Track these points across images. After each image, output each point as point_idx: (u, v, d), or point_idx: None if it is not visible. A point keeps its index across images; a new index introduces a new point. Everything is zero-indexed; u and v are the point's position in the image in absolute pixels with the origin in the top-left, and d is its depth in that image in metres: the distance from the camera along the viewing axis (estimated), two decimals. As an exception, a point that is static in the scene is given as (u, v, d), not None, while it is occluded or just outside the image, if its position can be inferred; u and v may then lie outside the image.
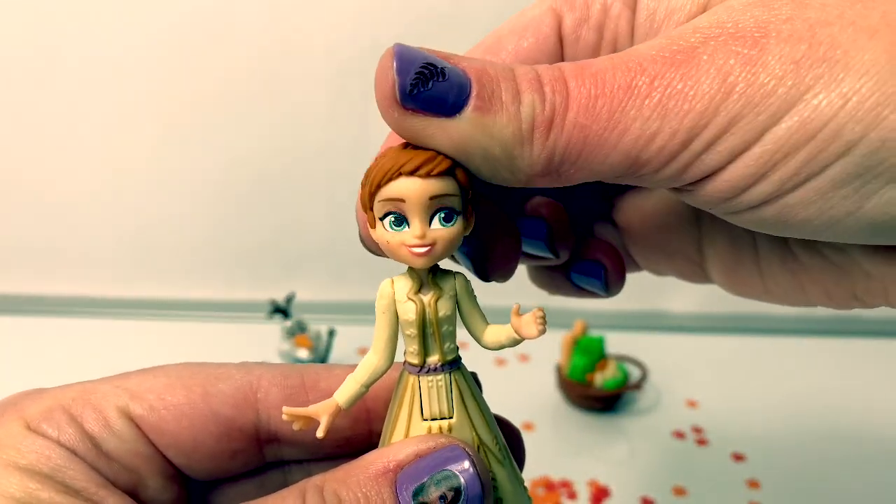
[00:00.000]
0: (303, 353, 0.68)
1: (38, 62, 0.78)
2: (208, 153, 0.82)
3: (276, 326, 0.72)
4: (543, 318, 0.25)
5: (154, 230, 0.86)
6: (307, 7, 0.76)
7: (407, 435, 0.24)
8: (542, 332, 0.25)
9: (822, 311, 0.87)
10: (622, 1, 0.25)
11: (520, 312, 0.26)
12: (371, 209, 0.23)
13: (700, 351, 0.79)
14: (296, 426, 0.23)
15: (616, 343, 0.73)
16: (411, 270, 0.25)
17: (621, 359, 0.71)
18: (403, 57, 0.19)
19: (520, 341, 0.26)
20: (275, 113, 0.78)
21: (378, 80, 0.20)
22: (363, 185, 0.23)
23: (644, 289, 0.88)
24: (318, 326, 0.72)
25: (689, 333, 0.82)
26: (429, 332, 0.25)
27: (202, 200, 0.84)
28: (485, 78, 0.20)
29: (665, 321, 0.87)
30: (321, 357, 0.68)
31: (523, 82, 0.20)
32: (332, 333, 0.71)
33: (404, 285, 0.25)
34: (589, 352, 0.67)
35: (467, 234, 0.25)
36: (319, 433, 0.23)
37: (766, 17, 0.19)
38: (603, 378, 0.66)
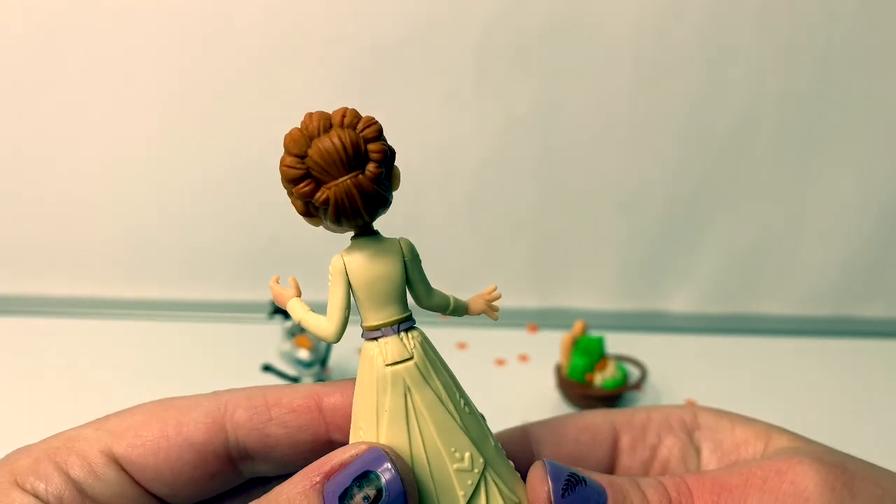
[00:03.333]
0: (303, 354, 0.68)
1: (39, 63, 0.78)
2: (208, 154, 0.82)
3: (277, 327, 0.72)
4: (496, 306, 0.26)
5: (154, 231, 0.86)
6: (307, 8, 0.76)
7: (376, 393, 0.25)
8: (494, 317, 0.27)
9: (821, 312, 0.88)
10: (674, 433, 0.29)
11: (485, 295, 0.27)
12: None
13: (699, 351, 0.79)
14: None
15: (615, 343, 0.73)
16: (357, 238, 0.26)
17: (621, 359, 0.71)
18: (555, 467, 0.24)
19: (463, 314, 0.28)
20: (275, 113, 0.78)
21: (532, 485, 0.24)
22: (384, 139, 0.24)
23: (644, 289, 0.89)
24: (319, 326, 0.72)
25: (689, 334, 0.83)
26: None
27: (203, 201, 0.84)
28: (615, 485, 0.24)
29: (664, 321, 0.87)
30: (321, 357, 0.69)
31: (648, 489, 0.24)
32: None
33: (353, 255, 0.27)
34: (588, 352, 0.67)
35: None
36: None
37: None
38: (602, 378, 0.66)
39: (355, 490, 0.23)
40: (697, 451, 0.29)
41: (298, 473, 0.23)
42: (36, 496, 0.24)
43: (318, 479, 0.23)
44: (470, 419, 0.25)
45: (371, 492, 0.23)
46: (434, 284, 0.27)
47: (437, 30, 0.76)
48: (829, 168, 0.82)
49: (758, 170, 0.82)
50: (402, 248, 0.25)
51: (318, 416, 0.27)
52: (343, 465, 0.23)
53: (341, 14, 0.76)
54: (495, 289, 0.26)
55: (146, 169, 0.83)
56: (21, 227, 0.86)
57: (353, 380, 0.27)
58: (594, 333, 0.70)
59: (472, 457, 0.24)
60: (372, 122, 0.24)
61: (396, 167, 0.25)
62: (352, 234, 0.25)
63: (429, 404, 0.25)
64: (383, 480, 0.23)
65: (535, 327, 0.83)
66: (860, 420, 0.67)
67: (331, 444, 0.27)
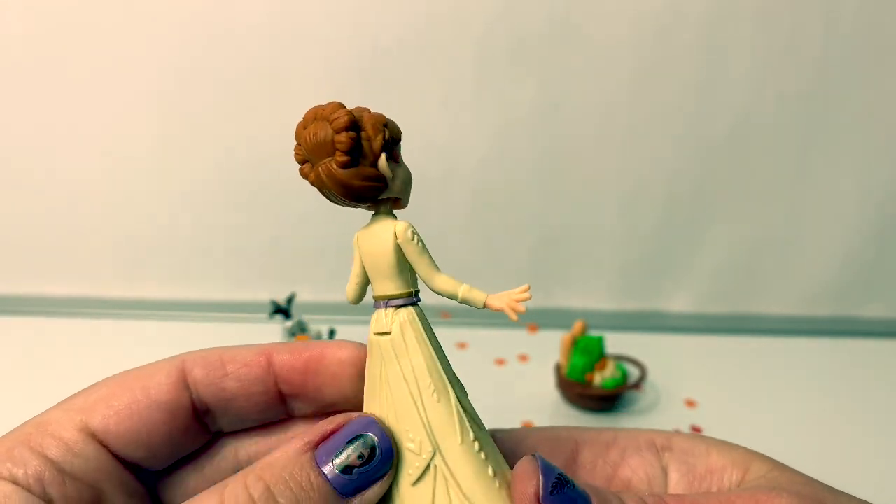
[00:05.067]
0: (303, 353, 0.68)
1: (39, 63, 0.78)
2: (209, 154, 0.82)
3: (278, 326, 0.72)
4: (521, 305, 0.26)
5: (155, 231, 0.86)
6: (308, 8, 0.76)
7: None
8: (516, 313, 0.27)
9: (820, 311, 0.88)
10: (640, 454, 0.29)
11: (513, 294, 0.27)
12: (394, 147, 0.27)
13: (699, 351, 0.79)
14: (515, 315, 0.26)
15: (615, 343, 0.73)
16: (389, 211, 0.28)
17: (620, 358, 0.71)
18: (546, 464, 0.24)
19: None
20: (275, 113, 0.78)
21: (521, 477, 0.24)
22: (378, 130, 0.26)
23: (643, 289, 0.89)
24: (319, 326, 0.72)
25: (688, 333, 0.83)
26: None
27: (204, 201, 0.84)
28: (601, 495, 0.24)
29: (664, 321, 0.87)
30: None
31: (629, 503, 0.24)
32: (332, 333, 0.71)
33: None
34: (588, 351, 0.67)
35: None
36: (526, 294, 0.26)
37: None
38: (602, 378, 0.67)
39: (349, 450, 0.24)
40: (665, 472, 0.28)
41: (290, 440, 0.25)
42: (15, 482, 0.24)
43: (310, 444, 0.24)
44: (436, 408, 0.26)
45: (365, 450, 0.24)
46: None
47: (437, 30, 0.76)
48: (828, 168, 0.82)
49: (757, 170, 0.82)
50: (394, 230, 0.27)
51: (269, 370, 0.29)
52: (334, 431, 0.25)
53: (342, 14, 0.76)
54: (527, 289, 0.26)
55: (146, 169, 0.83)
56: (21, 227, 0.86)
57: (302, 342, 0.30)
58: (594, 333, 0.70)
59: (421, 442, 0.25)
60: (338, 116, 0.25)
61: (391, 163, 0.26)
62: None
63: (395, 380, 0.26)
64: (375, 438, 0.24)
65: (534, 327, 0.83)
66: (860, 419, 0.67)
67: (278, 399, 0.29)
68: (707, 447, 0.28)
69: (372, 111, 0.26)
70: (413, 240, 0.27)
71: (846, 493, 0.25)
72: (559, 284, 0.88)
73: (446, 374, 0.27)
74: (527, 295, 0.25)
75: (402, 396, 0.26)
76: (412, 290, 0.27)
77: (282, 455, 0.24)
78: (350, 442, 0.24)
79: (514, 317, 0.25)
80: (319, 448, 0.24)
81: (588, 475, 0.29)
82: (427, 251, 0.27)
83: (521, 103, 0.79)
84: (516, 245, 0.86)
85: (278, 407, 0.29)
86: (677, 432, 0.29)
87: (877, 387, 0.73)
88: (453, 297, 0.27)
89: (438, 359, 0.26)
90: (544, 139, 0.81)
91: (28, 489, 0.24)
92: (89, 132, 0.82)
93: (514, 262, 0.87)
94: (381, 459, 0.24)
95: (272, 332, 0.73)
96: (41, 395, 0.71)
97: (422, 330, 0.27)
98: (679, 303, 0.89)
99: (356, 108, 0.27)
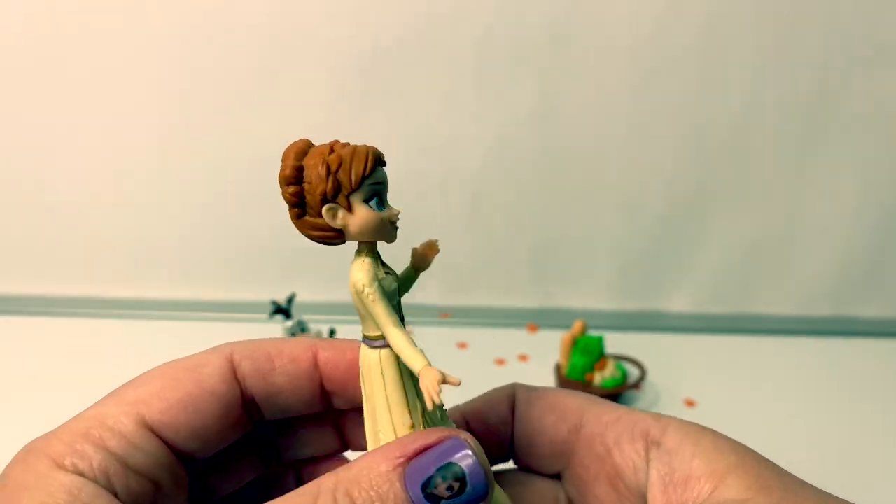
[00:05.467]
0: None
1: (39, 63, 0.78)
2: (209, 154, 0.82)
3: (278, 327, 0.72)
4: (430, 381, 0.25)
5: (155, 231, 0.86)
6: (308, 8, 0.76)
7: (420, 404, 0.26)
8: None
9: (821, 312, 0.88)
10: (633, 444, 0.29)
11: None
12: (353, 193, 0.25)
13: (698, 351, 0.79)
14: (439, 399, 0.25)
15: (615, 343, 0.73)
16: (369, 251, 0.27)
17: (620, 358, 0.71)
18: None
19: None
20: (276, 113, 0.78)
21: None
22: (335, 172, 0.25)
23: (643, 289, 0.89)
24: (319, 327, 0.72)
25: (688, 333, 0.83)
26: (395, 302, 0.27)
27: (203, 201, 0.84)
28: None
29: (664, 321, 0.87)
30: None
31: None
32: (332, 333, 0.71)
33: (374, 264, 0.27)
34: (588, 351, 0.67)
35: None
36: (454, 381, 0.24)
37: None
38: (602, 377, 0.67)
39: (439, 480, 0.23)
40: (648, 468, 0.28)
41: (377, 451, 0.24)
42: (82, 475, 0.24)
43: (400, 460, 0.23)
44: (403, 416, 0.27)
45: (455, 482, 0.23)
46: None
47: (437, 30, 0.76)
48: (828, 168, 0.82)
49: (757, 170, 0.82)
50: (351, 280, 0.27)
51: (315, 366, 0.29)
52: (425, 449, 0.23)
53: (342, 15, 0.76)
54: (458, 381, 0.25)
55: (146, 169, 0.83)
56: (21, 227, 0.86)
57: (345, 340, 0.30)
58: (594, 333, 0.70)
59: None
60: (283, 167, 0.25)
61: (341, 211, 0.26)
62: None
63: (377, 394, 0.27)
64: (466, 470, 0.23)
65: (534, 327, 0.83)
66: (859, 419, 0.67)
67: (322, 393, 0.30)
68: (694, 449, 0.27)
69: (340, 149, 0.25)
70: (363, 293, 0.26)
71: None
72: (559, 284, 0.88)
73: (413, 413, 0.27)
74: (455, 381, 0.24)
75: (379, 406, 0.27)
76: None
77: (369, 469, 0.23)
78: (440, 470, 0.23)
79: (429, 404, 0.24)
80: (409, 466, 0.23)
81: (585, 452, 0.30)
82: (381, 302, 0.26)
83: (521, 103, 0.79)
84: (516, 245, 0.86)
85: (321, 400, 0.30)
86: (674, 422, 0.29)
87: (876, 386, 0.74)
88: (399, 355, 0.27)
89: (409, 406, 0.27)
90: (544, 139, 0.81)
91: (95, 482, 0.24)
92: (90, 132, 0.81)
93: (514, 262, 0.87)
94: (472, 494, 0.23)
95: (272, 332, 0.73)
96: (40, 395, 0.71)
97: (396, 373, 0.27)
98: (679, 303, 0.89)
99: (329, 144, 0.26)
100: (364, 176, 0.25)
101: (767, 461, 0.27)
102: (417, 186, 0.82)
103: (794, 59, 0.77)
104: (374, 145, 0.27)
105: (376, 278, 0.26)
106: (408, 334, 0.26)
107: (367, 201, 0.26)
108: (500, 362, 0.75)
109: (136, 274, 0.88)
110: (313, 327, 0.71)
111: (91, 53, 0.78)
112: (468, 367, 0.71)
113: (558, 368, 0.69)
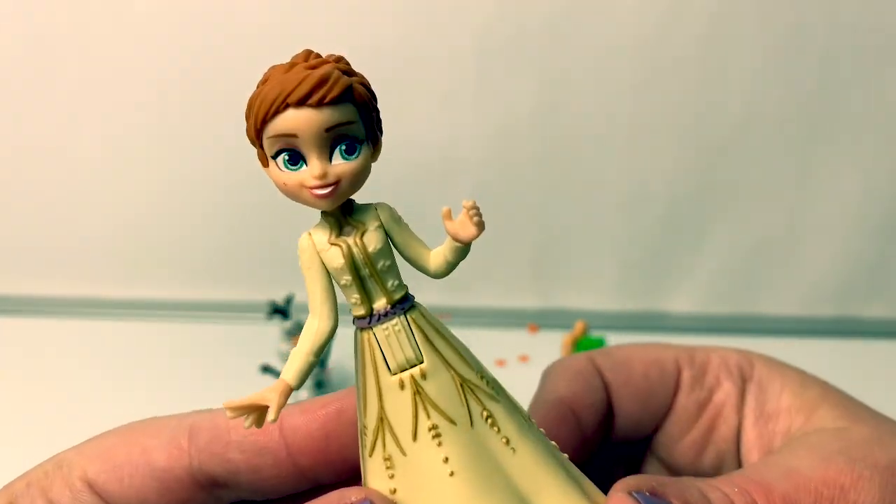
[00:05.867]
0: (302, 354, 0.68)
1: (38, 63, 0.78)
2: (207, 154, 0.82)
3: (276, 327, 0.72)
4: (476, 210, 0.22)
5: (153, 231, 0.86)
6: (306, 6, 0.76)
7: (380, 399, 0.22)
8: (480, 225, 0.22)
9: (821, 312, 0.87)
10: (731, 379, 0.30)
11: (452, 216, 0.23)
12: (260, 146, 0.21)
13: (701, 351, 0.79)
14: (246, 423, 0.21)
15: (616, 343, 0.73)
16: (326, 214, 0.23)
17: (621, 359, 0.71)
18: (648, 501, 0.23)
19: (464, 249, 0.23)
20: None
21: None
22: (246, 116, 0.21)
23: (645, 289, 0.88)
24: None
25: (690, 334, 0.82)
26: (364, 274, 0.23)
27: (200, 200, 0.84)
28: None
29: (666, 322, 0.87)
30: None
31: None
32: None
33: (323, 232, 0.23)
34: (589, 352, 0.67)
35: (374, 161, 0.22)
36: (270, 417, 0.21)
37: None
38: (603, 379, 0.66)
39: None
40: (743, 402, 0.29)
41: None
42: None
43: None
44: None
45: None
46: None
47: (437, 29, 0.76)
48: (831, 167, 0.82)
49: (760, 169, 0.82)
50: (378, 216, 0.23)
51: (279, 438, 0.25)
52: None
53: (340, 13, 0.76)
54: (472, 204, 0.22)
55: (143, 169, 0.83)
56: (21, 227, 0.86)
57: (317, 399, 0.26)
58: (595, 334, 0.70)
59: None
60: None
61: (259, 155, 0.23)
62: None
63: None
64: None
65: (535, 327, 0.82)
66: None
67: (295, 469, 0.26)
68: (782, 384, 0.29)
69: (281, 73, 0.21)
70: (400, 218, 0.24)
71: None
72: (560, 284, 0.88)
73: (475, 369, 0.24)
74: (471, 203, 0.22)
75: (463, 349, 0.23)
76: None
77: None
78: None
79: (472, 231, 0.22)
80: None
81: (686, 398, 0.30)
82: (309, 278, 0.23)
83: (521, 101, 0.79)
84: (517, 244, 0.86)
85: (298, 477, 0.26)
86: (758, 357, 0.31)
87: (879, 387, 0.73)
88: (450, 264, 0.24)
89: (463, 356, 0.24)
90: (545, 137, 0.81)
91: None
92: (88, 132, 0.81)
93: (515, 261, 0.87)
94: None
95: (270, 332, 0.73)
96: (39, 396, 0.71)
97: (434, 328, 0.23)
98: (681, 303, 0.88)
99: (296, 56, 0.22)
100: (262, 122, 0.21)
101: (849, 395, 0.29)
102: (417, 184, 0.82)
103: (797, 58, 0.77)
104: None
105: (313, 248, 0.23)
106: (320, 332, 0.23)
107: (274, 157, 0.21)
108: (501, 363, 0.75)
109: (134, 275, 0.88)
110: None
111: (89, 53, 0.78)
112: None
113: (559, 369, 0.69)
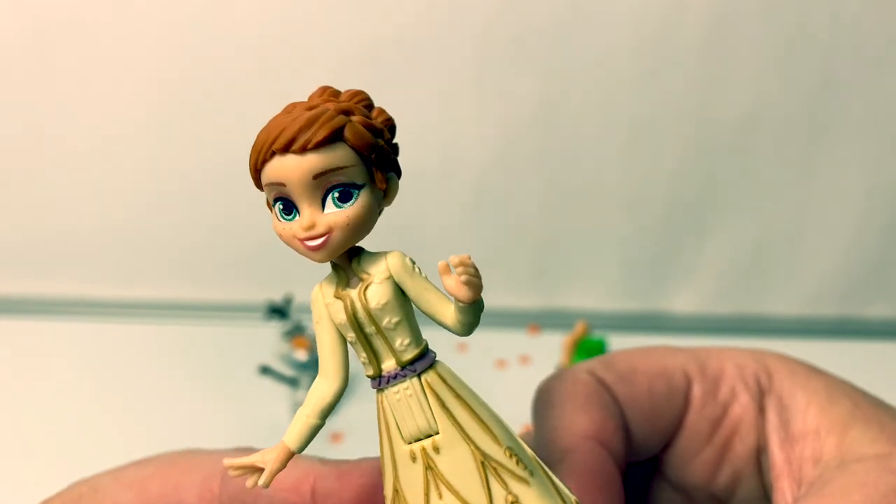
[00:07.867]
0: (301, 355, 0.68)
1: (36, 62, 0.78)
2: (206, 153, 0.81)
3: (275, 328, 0.71)
4: (465, 267, 0.19)
5: (151, 231, 0.85)
6: (305, 4, 0.75)
7: (395, 469, 0.21)
8: (472, 286, 0.20)
9: (822, 313, 0.87)
10: (748, 391, 0.26)
11: (450, 270, 0.20)
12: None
13: (703, 352, 0.78)
14: (249, 483, 0.20)
15: (618, 344, 0.72)
16: (334, 264, 0.21)
17: (623, 360, 0.70)
18: None
19: (470, 308, 0.21)
20: (271, 109, 0.77)
21: None
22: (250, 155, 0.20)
23: (646, 289, 0.88)
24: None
25: (692, 335, 0.82)
26: (369, 331, 0.20)
27: (198, 200, 0.84)
28: None
29: (667, 322, 0.86)
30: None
31: None
32: (289, 303, 0.71)
33: (331, 284, 0.21)
34: (590, 353, 0.66)
35: (388, 205, 0.21)
36: (261, 481, 0.20)
37: None
38: (605, 380, 0.66)
39: None
40: (764, 419, 0.26)
41: None
42: None
43: None
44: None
45: None
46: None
47: (436, 27, 0.76)
48: (834, 167, 0.81)
49: (762, 169, 0.82)
50: (387, 266, 0.21)
51: (310, 501, 0.24)
52: None
53: (339, 10, 0.75)
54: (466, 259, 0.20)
55: (143, 169, 0.83)
56: (20, 227, 0.85)
57: (356, 464, 0.24)
58: (596, 334, 0.69)
59: None
60: None
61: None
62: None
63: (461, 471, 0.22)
64: None
65: (536, 328, 0.82)
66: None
67: None
68: (807, 400, 0.25)
69: (285, 115, 0.19)
70: (415, 267, 0.22)
71: None
72: (561, 284, 0.88)
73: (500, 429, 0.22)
74: (462, 260, 0.20)
75: (490, 418, 0.21)
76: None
77: None
78: None
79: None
80: None
81: (697, 416, 0.27)
82: (318, 336, 0.21)
83: (522, 100, 0.79)
84: (517, 244, 0.85)
85: None
86: (776, 360, 0.26)
87: (882, 388, 0.73)
88: (470, 323, 0.22)
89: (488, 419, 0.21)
90: (546, 137, 0.80)
91: None
92: (87, 132, 0.81)
93: (515, 262, 0.86)
94: None
95: (269, 333, 0.73)
96: (38, 396, 0.70)
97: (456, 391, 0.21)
98: (683, 303, 0.88)
99: (312, 95, 0.21)
100: (256, 171, 0.19)
101: (882, 403, 0.25)
102: (417, 186, 0.81)
103: (799, 57, 0.77)
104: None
105: (322, 301, 0.21)
106: (326, 394, 0.20)
107: (273, 205, 0.20)
108: (501, 364, 0.74)
109: (132, 275, 0.88)
110: (311, 329, 0.70)
111: (85, 51, 0.77)
112: (468, 370, 0.70)
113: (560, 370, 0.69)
